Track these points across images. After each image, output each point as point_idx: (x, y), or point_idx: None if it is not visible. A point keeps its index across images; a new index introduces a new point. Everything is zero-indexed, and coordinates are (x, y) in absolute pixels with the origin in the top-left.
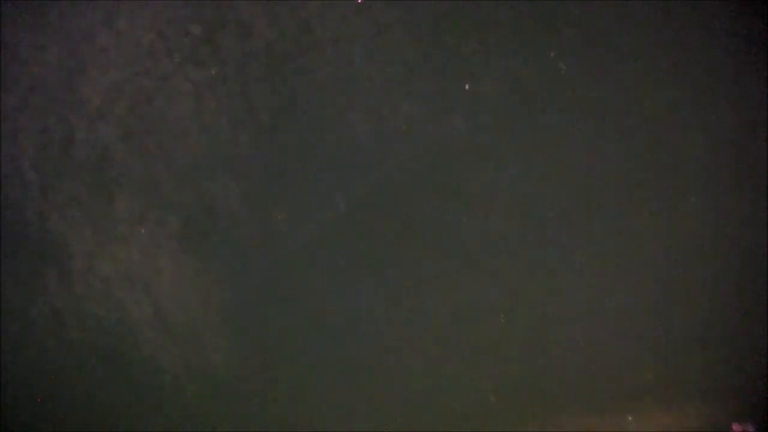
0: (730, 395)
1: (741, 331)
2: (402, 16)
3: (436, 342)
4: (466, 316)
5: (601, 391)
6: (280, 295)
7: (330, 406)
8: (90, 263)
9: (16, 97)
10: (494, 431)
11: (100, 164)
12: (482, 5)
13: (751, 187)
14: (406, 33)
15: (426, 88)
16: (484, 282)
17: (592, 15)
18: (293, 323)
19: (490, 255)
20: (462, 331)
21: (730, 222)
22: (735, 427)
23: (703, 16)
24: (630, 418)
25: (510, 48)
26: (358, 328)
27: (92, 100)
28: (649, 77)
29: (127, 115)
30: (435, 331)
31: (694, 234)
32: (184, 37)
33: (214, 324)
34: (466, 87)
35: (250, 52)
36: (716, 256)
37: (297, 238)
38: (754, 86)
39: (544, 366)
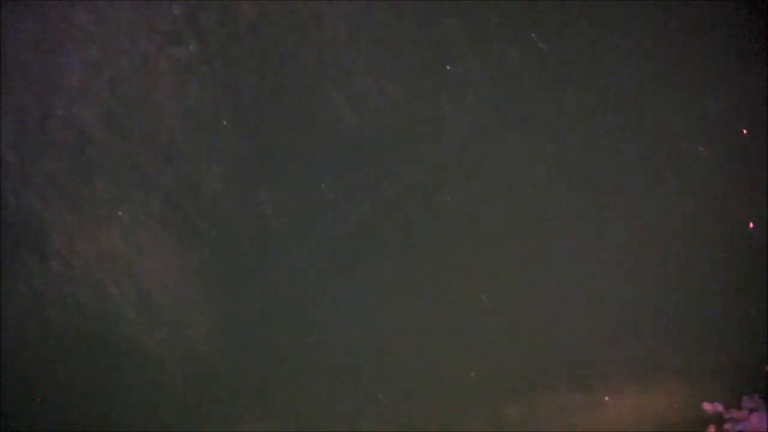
0: (703, 374)
1: (731, 311)
2: None
3: (421, 321)
4: (440, 297)
5: (581, 369)
6: (264, 275)
7: (317, 379)
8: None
9: None
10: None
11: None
12: None
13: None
14: (391, 14)
15: (411, 70)
16: (470, 260)
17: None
18: (278, 302)
19: (477, 232)
20: (439, 314)
21: (722, 199)
22: (706, 405)
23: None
24: (607, 398)
25: (495, 29)
26: (346, 303)
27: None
28: (642, 59)
29: (108, 96)
30: (420, 311)
31: (685, 210)
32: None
33: (197, 304)
34: (447, 68)
35: (234, 33)
36: (707, 233)
37: (281, 218)
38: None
39: (526, 345)
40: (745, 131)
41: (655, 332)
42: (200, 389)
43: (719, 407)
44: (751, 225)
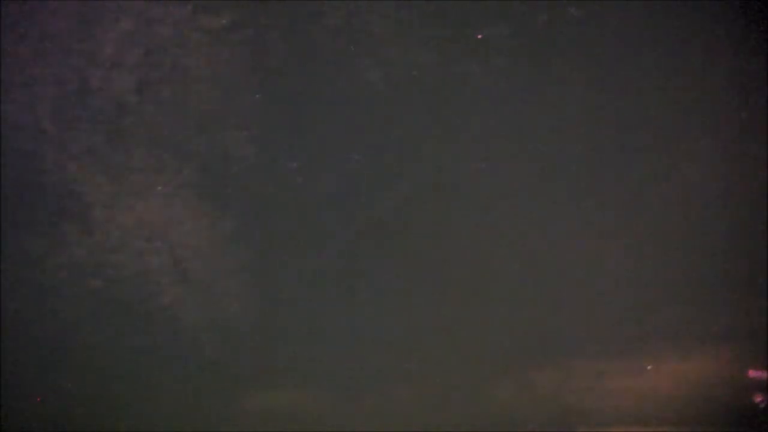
0: (746, 339)
1: (751, 273)
2: None
3: (445, 284)
4: (473, 261)
5: (613, 336)
6: (296, 244)
7: (343, 353)
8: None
9: (30, 47)
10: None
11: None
12: None
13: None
14: None
15: (437, 33)
16: (492, 227)
17: None
18: (310, 272)
19: (497, 199)
20: (471, 277)
21: (728, 163)
22: (752, 372)
23: None
24: (649, 367)
25: None
26: (372, 275)
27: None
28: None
29: (142, 65)
30: (444, 273)
31: (696, 176)
32: None
33: (232, 274)
34: (479, 36)
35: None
36: (718, 198)
37: (311, 186)
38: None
39: (555, 311)
40: None
41: (696, 297)
42: (234, 358)
43: (765, 375)
44: None
